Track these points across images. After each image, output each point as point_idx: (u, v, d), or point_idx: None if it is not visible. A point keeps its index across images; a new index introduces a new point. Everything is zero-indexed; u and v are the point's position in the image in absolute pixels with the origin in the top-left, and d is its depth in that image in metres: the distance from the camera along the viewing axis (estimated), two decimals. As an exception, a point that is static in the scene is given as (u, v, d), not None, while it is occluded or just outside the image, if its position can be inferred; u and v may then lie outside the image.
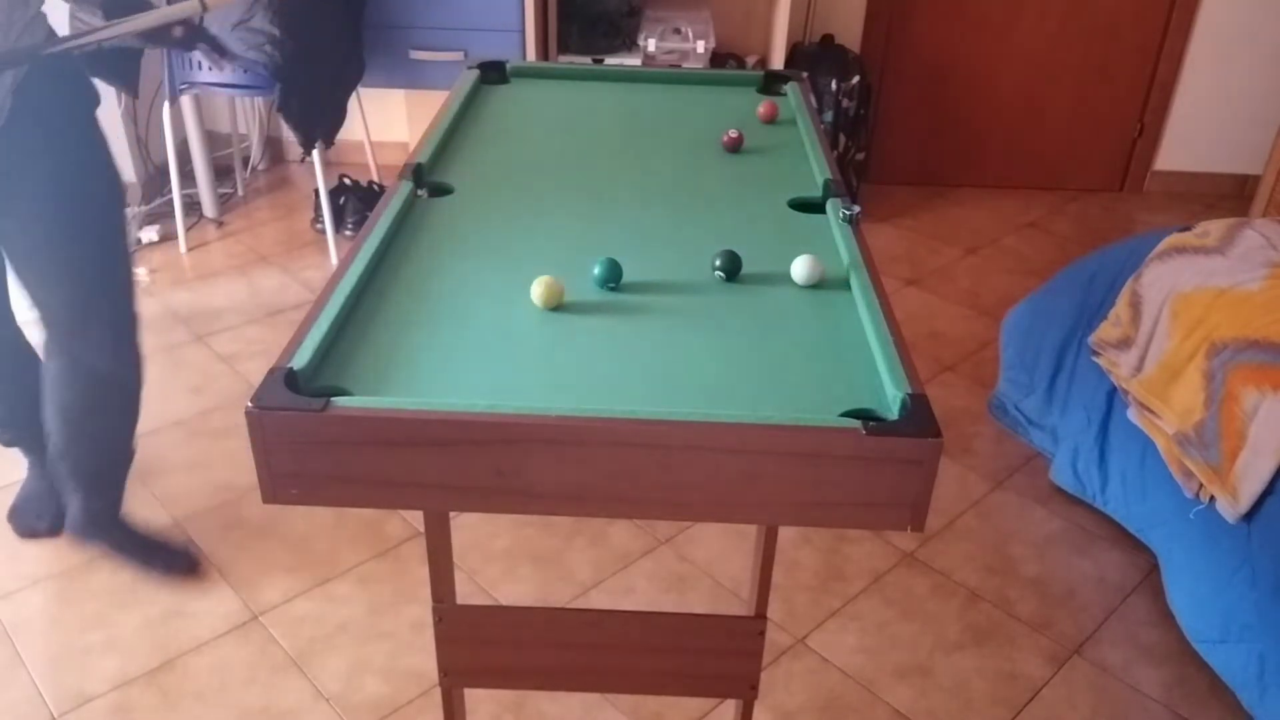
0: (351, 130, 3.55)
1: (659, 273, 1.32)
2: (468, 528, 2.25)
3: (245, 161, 3.94)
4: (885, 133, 4.00)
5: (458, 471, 1.01)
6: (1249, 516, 1.79)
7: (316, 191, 3.29)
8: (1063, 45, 3.84)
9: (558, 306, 1.23)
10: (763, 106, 1.85)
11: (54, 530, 2.19)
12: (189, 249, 3.41)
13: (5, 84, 1.71)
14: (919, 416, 1.00)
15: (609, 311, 1.23)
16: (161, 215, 3.54)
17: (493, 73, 2.05)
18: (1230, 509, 1.82)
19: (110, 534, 2.13)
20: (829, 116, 3.54)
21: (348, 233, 3.45)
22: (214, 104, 3.80)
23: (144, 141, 3.57)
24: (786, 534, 2.25)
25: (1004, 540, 2.30)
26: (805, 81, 2.05)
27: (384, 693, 1.86)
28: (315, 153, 3.13)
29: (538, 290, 1.21)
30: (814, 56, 3.63)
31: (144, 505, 2.28)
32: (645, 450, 0.99)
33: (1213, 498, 1.87)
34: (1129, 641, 2.04)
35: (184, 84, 3.15)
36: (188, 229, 3.44)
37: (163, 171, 3.59)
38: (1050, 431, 2.50)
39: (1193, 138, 4.00)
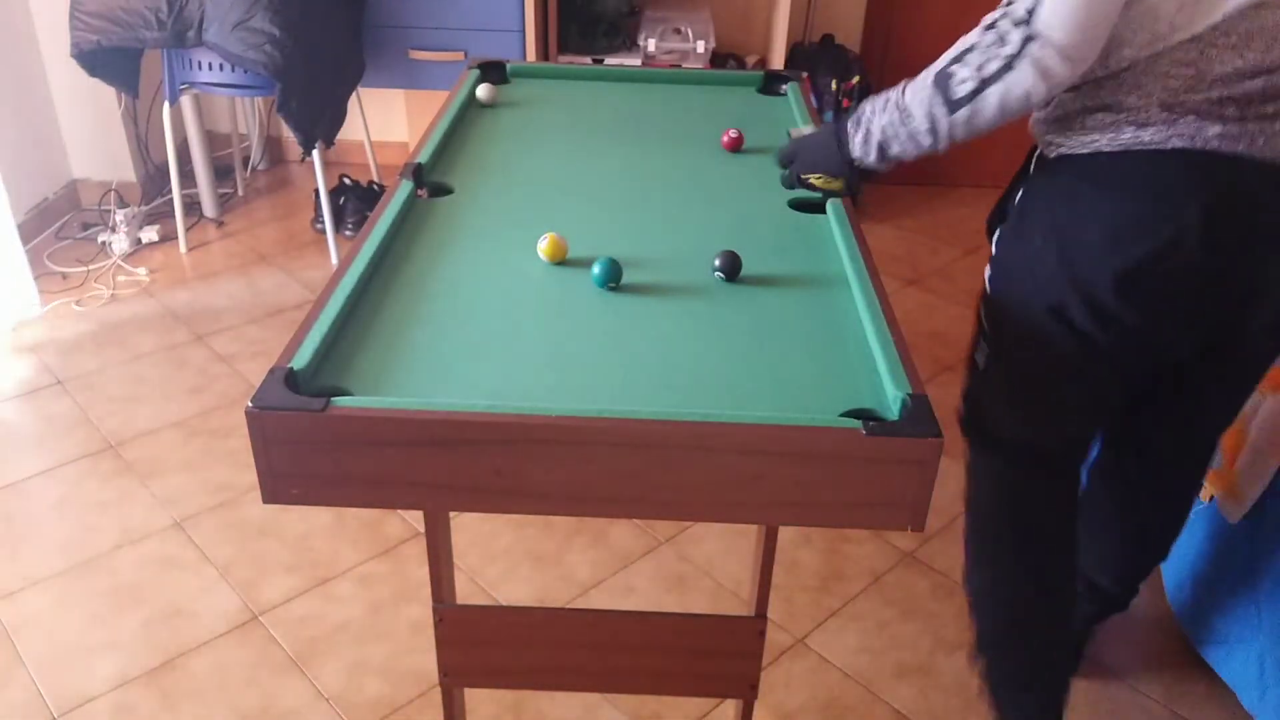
0: (351, 130, 3.55)
1: (659, 273, 1.32)
2: (468, 528, 2.25)
3: (245, 161, 3.94)
4: (885, 133, 3.99)
5: (457, 471, 1.01)
6: (1251, 516, 1.79)
7: (316, 191, 3.29)
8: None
9: (561, 261, 1.34)
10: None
11: None
12: (189, 249, 3.40)
13: None
14: (919, 416, 1.00)
15: (608, 312, 1.23)
16: (161, 215, 3.54)
17: (493, 73, 2.05)
18: (1232, 509, 1.81)
19: None
20: (829, 116, 3.54)
21: (348, 233, 3.45)
22: (214, 104, 3.80)
23: (144, 141, 3.57)
24: (786, 534, 2.25)
25: (1004, 540, 2.29)
26: (805, 81, 2.05)
27: (384, 693, 1.86)
28: (315, 153, 3.13)
29: (543, 245, 1.33)
30: (814, 56, 3.63)
31: (144, 505, 2.28)
32: (645, 450, 0.99)
33: (1214, 497, 1.87)
34: (1129, 642, 2.03)
35: (184, 84, 3.15)
36: (188, 229, 3.44)
37: (163, 171, 3.60)
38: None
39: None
